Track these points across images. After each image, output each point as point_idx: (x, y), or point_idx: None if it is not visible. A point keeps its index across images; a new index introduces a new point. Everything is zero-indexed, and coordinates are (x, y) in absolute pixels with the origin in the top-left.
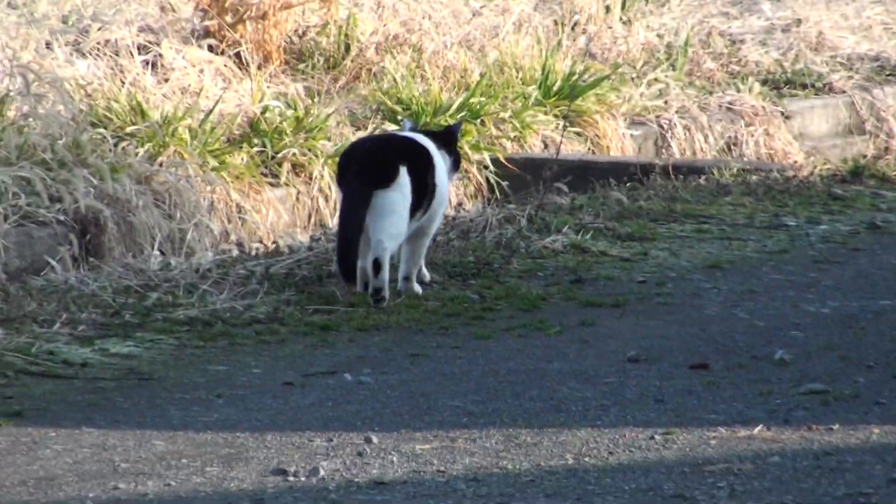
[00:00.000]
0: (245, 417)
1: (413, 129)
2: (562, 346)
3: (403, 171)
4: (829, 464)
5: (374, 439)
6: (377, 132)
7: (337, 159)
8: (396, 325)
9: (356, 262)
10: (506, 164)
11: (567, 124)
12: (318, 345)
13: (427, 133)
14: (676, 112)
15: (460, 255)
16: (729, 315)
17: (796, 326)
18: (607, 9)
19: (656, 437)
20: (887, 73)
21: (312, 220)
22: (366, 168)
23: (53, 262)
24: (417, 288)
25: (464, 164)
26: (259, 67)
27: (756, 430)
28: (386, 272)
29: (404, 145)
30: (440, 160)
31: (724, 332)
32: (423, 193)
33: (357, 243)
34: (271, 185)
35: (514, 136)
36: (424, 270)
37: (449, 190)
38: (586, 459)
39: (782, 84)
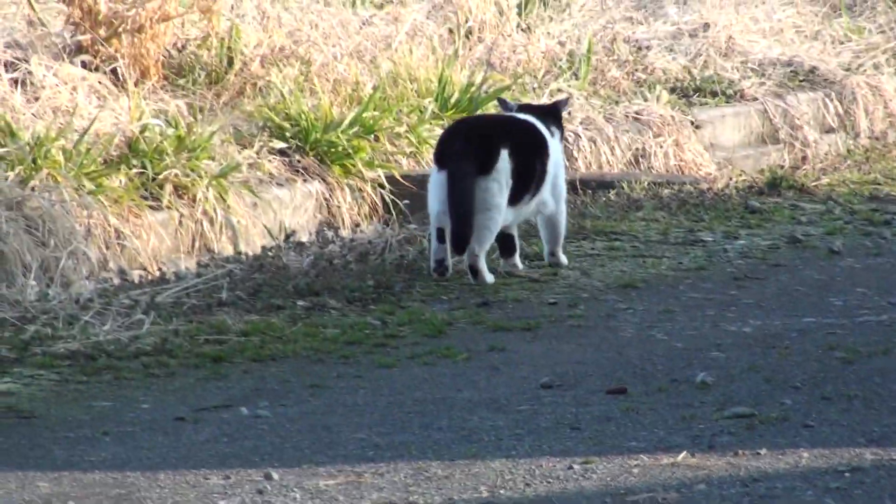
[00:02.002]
0: (135, 456)
1: (519, 109)
2: (471, 374)
3: (504, 156)
4: (759, 490)
5: (275, 476)
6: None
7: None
8: (294, 354)
9: (470, 238)
10: (403, 181)
11: None
12: (210, 377)
13: (533, 110)
14: (581, 123)
15: (359, 279)
16: (646, 337)
17: (717, 347)
18: (500, 14)
19: (575, 466)
20: (800, 78)
21: (197, 245)
22: (468, 151)
23: None
24: (564, 259)
25: (357, 183)
26: (136, 84)
27: (680, 457)
28: (485, 274)
29: (509, 126)
30: (552, 140)
31: (642, 354)
32: (532, 176)
33: (472, 220)
34: (152, 208)
35: (411, 152)
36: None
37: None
38: (502, 492)
39: (691, 92)
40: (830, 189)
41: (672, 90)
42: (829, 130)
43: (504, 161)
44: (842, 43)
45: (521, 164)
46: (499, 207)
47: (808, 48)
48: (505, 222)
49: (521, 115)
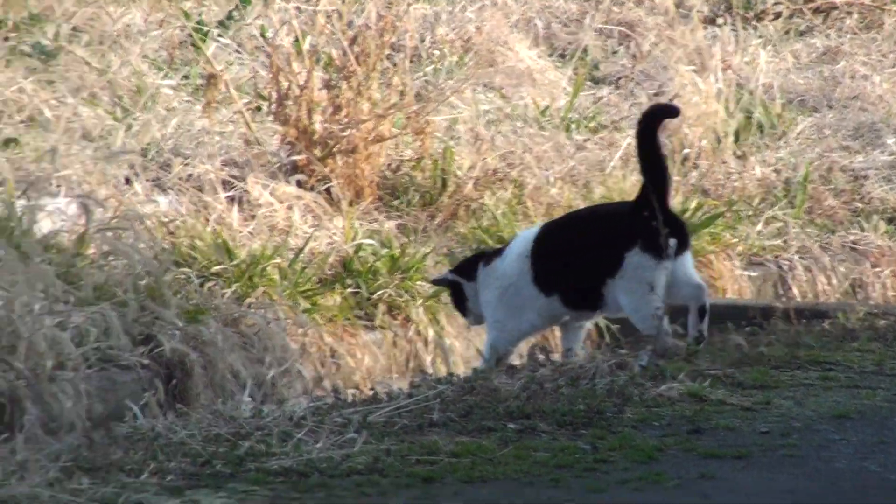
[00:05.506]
0: None
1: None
2: (681, 501)
3: None
4: None
5: None
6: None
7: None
8: (504, 476)
9: None
10: None
11: None
12: (420, 497)
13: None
14: (797, 252)
15: (570, 403)
16: (860, 468)
17: None
18: (718, 141)
19: None
20: None
21: (411, 365)
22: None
23: (135, 409)
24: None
25: None
26: (351, 203)
27: None
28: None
29: None
30: None
31: (856, 486)
32: None
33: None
34: (366, 327)
35: None
36: None
37: None
38: None
39: None
40: None
41: (890, 220)
42: None
43: None
44: None
45: None
46: None
47: None
48: None
49: None
